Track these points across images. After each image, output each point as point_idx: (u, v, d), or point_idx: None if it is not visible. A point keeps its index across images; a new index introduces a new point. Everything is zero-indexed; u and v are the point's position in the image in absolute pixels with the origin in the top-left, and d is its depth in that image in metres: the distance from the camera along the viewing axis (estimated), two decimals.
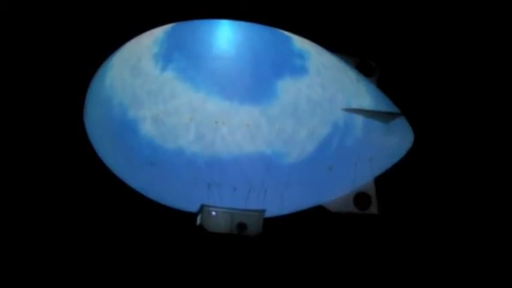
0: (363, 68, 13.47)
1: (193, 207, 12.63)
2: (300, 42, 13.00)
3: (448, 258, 15.91)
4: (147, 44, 12.52)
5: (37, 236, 15.43)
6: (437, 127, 15.50)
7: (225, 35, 12.56)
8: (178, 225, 14.10)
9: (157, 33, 12.68)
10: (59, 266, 15.35)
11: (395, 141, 13.46)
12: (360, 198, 13.31)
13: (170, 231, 15.16)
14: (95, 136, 12.99)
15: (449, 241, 15.95)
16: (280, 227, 13.81)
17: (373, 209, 13.33)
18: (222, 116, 11.93)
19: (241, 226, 12.29)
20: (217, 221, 12.31)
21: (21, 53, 15.12)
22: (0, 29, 14.94)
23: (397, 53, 15.25)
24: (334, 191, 13.31)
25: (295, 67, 12.51)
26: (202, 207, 12.33)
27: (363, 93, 13.13)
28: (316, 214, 13.67)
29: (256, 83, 12.18)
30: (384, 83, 13.72)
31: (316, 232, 15.53)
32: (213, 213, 12.30)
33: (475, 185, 15.94)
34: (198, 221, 12.38)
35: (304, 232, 15.48)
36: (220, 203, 12.35)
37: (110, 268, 15.49)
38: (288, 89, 12.25)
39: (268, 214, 12.68)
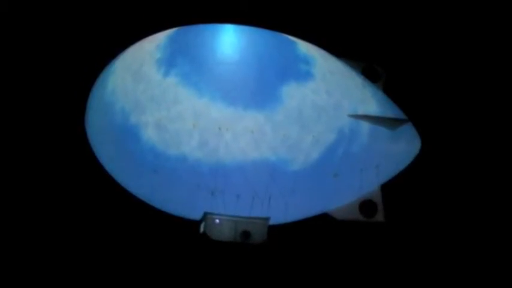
0: (369, 73, 13.32)
1: (196, 215, 12.48)
2: (305, 47, 12.87)
3: (455, 266, 15.72)
4: (149, 49, 12.41)
5: (39, 243, 15.26)
6: (444, 133, 15.36)
7: (229, 40, 12.45)
8: (182, 233, 13.93)
9: (160, 38, 12.58)
10: (61, 274, 15.17)
11: (402, 148, 13.32)
12: (366, 205, 13.16)
13: (173, 239, 14.99)
14: (96, 142, 12.86)
15: (456, 248, 15.77)
16: (285, 235, 13.63)
17: (380, 216, 13.18)
18: (226, 122, 11.80)
19: (246, 234, 12.15)
20: (221, 229, 12.17)
21: (23, 58, 15.00)
22: (1, 33, 14.82)
23: (404, 58, 15.12)
24: (340, 198, 13.16)
25: (300, 72, 12.38)
26: (205, 215, 12.18)
27: (369, 99, 12.98)
28: (322, 222, 13.50)
29: (261, 89, 12.05)
30: (391, 88, 13.58)
31: (322, 240, 15.35)
32: (217, 221, 12.16)
33: (484, 192, 15.77)
34: (202, 229, 12.25)
35: (309, 240, 15.29)
36: (224, 211, 12.22)
37: (112, 276, 15.31)
38: (293, 94, 12.11)
39: (272, 222, 12.51)
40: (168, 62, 12.06)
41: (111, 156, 12.74)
